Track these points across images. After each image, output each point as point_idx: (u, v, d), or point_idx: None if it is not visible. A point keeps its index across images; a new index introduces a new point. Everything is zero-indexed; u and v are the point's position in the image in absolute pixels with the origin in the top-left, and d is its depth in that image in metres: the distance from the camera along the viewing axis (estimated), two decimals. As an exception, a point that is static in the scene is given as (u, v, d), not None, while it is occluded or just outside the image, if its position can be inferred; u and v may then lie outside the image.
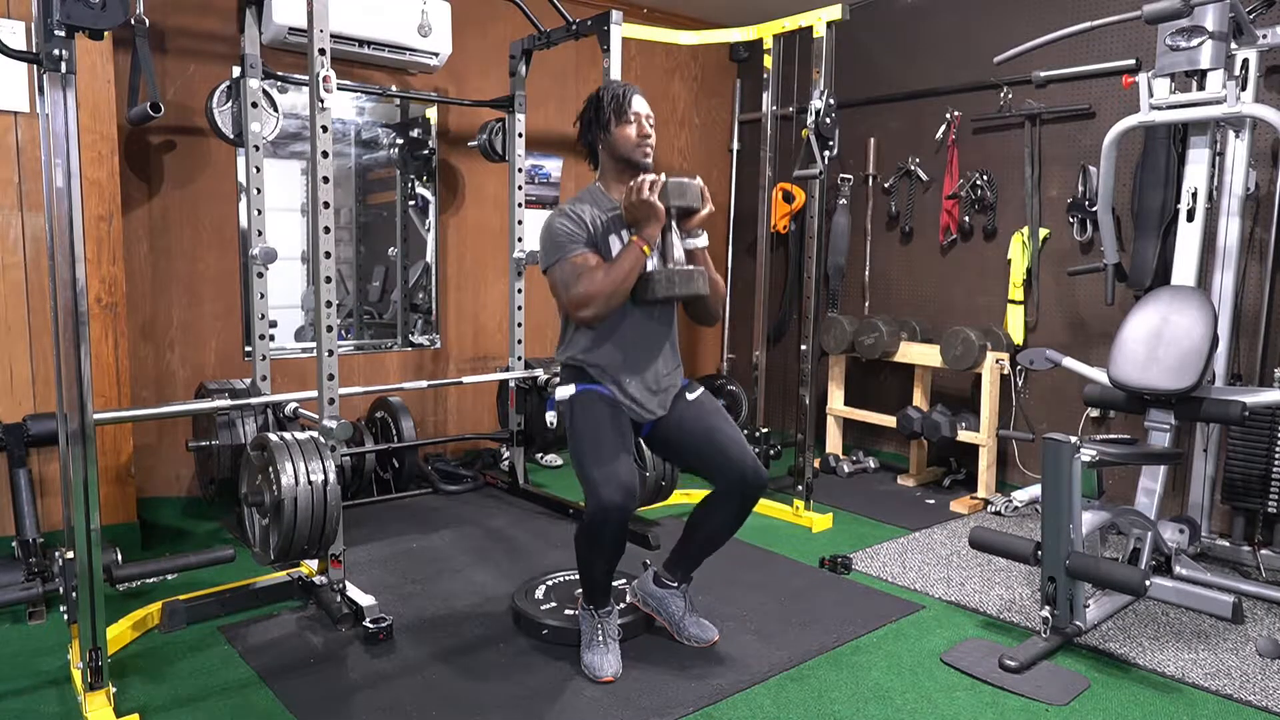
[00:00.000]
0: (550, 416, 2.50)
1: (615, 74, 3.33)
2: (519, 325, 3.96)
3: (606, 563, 2.37)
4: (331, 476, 2.51)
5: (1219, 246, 3.16)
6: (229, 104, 3.24)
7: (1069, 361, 3.27)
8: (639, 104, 2.41)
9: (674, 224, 2.37)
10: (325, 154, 2.55)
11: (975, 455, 4.18)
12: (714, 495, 2.48)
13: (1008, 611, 2.86)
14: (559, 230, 2.35)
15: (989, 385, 4.09)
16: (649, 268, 2.34)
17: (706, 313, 2.54)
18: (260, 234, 3.24)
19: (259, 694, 2.28)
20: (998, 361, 4.08)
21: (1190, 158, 3.11)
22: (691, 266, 2.38)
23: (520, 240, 3.92)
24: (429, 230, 4.46)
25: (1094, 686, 2.39)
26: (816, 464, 4.41)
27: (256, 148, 3.22)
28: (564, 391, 2.43)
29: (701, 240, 2.43)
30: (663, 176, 2.32)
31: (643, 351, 2.43)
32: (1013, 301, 4.23)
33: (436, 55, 3.85)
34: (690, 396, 2.52)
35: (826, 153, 3.58)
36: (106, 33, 1.95)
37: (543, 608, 2.69)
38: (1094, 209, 3.77)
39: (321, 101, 2.51)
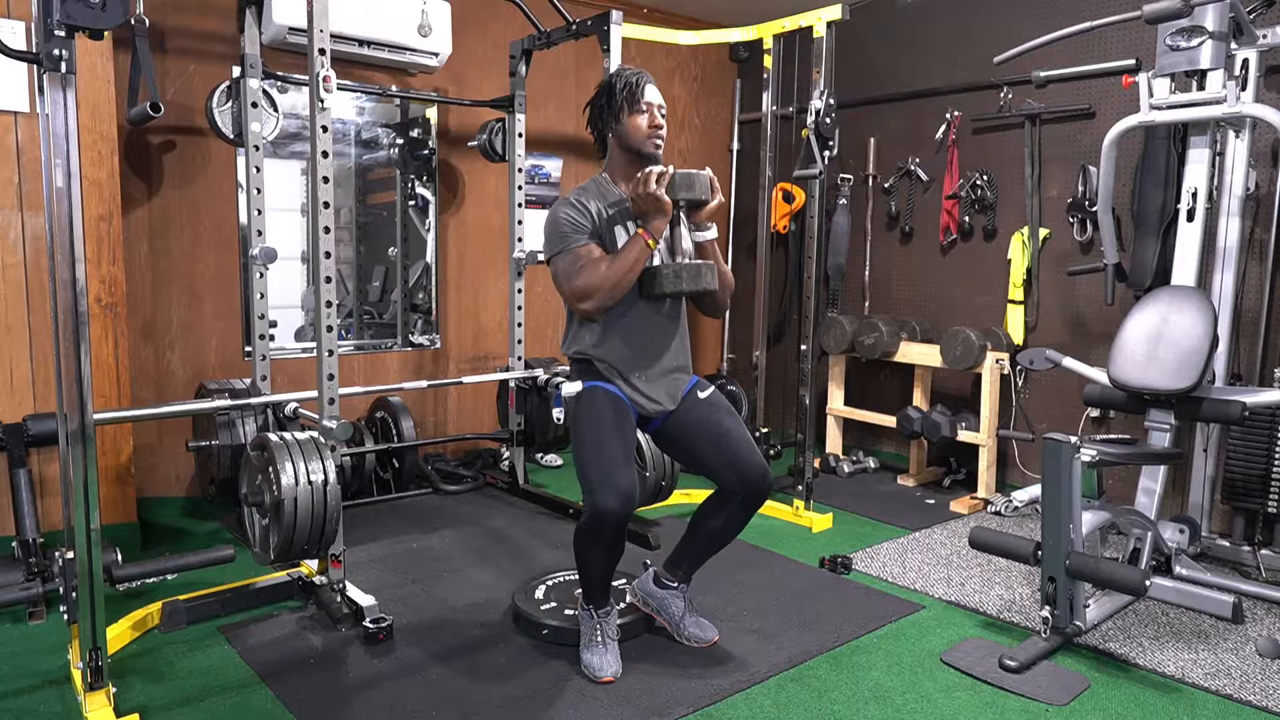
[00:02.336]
0: (557, 413, 2.47)
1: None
2: (519, 325, 3.96)
3: (605, 563, 2.36)
4: (331, 476, 2.51)
5: (1219, 246, 3.16)
6: (229, 104, 3.24)
7: (1069, 361, 3.26)
8: (652, 93, 2.36)
9: (682, 216, 2.33)
10: (325, 154, 2.56)
11: (975, 455, 4.18)
12: (719, 496, 2.46)
13: (1008, 611, 2.86)
14: (563, 220, 2.31)
15: (989, 385, 4.09)
16: (656, 261, 2.32)
17: (715, 306, 2.53)
18: (260, 234, 3.25)
19: (259, 694, 2.28)
20: (998, 361, 4.08)
21: (1190, 158, 3.11)
22: (699, 261, 2.34)
23: (520, 240, 3.92)
24: (429, 230, 4.45)
25: (1094, 686, 2.39)
26: (816, 464, 4.41)
27: (256, 148, 3.23)
28: (571, 388, 2.40)
29: (711, 233, 2.40)
30: (670, 168, 2.29)
31: (651, 345, 2.40)
32: (1013, 301, 4.22)
33: (436, 55, 3.85)
34: (702, 395, 2.47)
35: (826, 153, 3.58)
36: (106, 33, 1.95)
37: (543, 608, 2.69)
38: (1094, 209, 3.77)
39: (321, 101, 2.51)
